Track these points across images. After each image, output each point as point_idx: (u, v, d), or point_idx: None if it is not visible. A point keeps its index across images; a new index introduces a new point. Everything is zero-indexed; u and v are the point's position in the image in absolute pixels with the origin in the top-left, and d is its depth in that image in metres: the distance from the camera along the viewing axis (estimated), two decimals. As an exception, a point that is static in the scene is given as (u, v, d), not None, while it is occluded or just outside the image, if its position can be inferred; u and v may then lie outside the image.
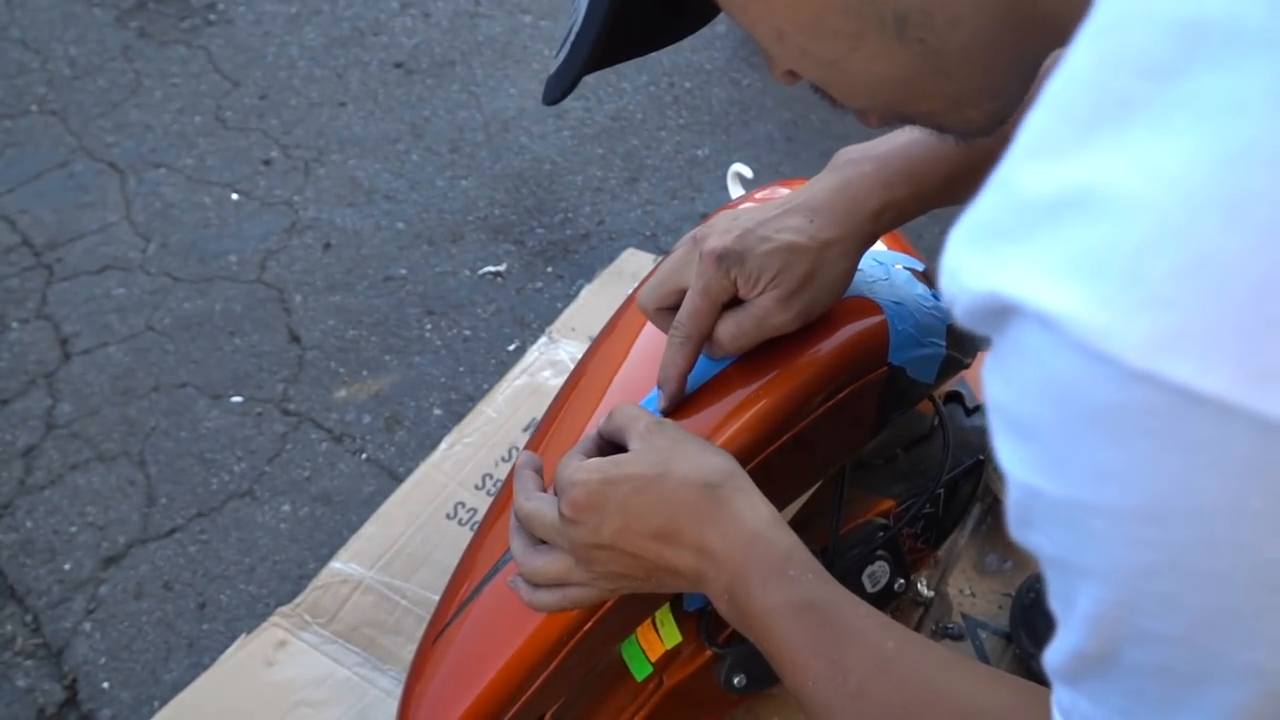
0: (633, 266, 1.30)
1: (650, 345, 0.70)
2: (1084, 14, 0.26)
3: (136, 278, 1.53)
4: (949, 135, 0.48)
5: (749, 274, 0.62)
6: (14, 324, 1.47)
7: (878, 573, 0.71)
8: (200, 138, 1.77)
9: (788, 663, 0.49)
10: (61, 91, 1.87)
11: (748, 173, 1.16)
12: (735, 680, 0.74)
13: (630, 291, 1.29)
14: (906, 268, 0.69)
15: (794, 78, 0.51)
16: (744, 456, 0.63)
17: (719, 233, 0.64)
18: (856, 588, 0.70)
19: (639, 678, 0.71)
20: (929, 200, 0.64)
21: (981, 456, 0.80)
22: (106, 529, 1.21)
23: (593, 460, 0.55)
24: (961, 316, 0.28)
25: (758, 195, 0.76)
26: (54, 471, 1.28)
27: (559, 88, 0.48)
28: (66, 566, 1.18)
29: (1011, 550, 0.95)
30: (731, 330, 0.63)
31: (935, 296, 0.68)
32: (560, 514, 0.55)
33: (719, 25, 2.02)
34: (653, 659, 0.70)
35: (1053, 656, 0.32)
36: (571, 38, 0.47)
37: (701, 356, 0.64)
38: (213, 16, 2.03)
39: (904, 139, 0.64)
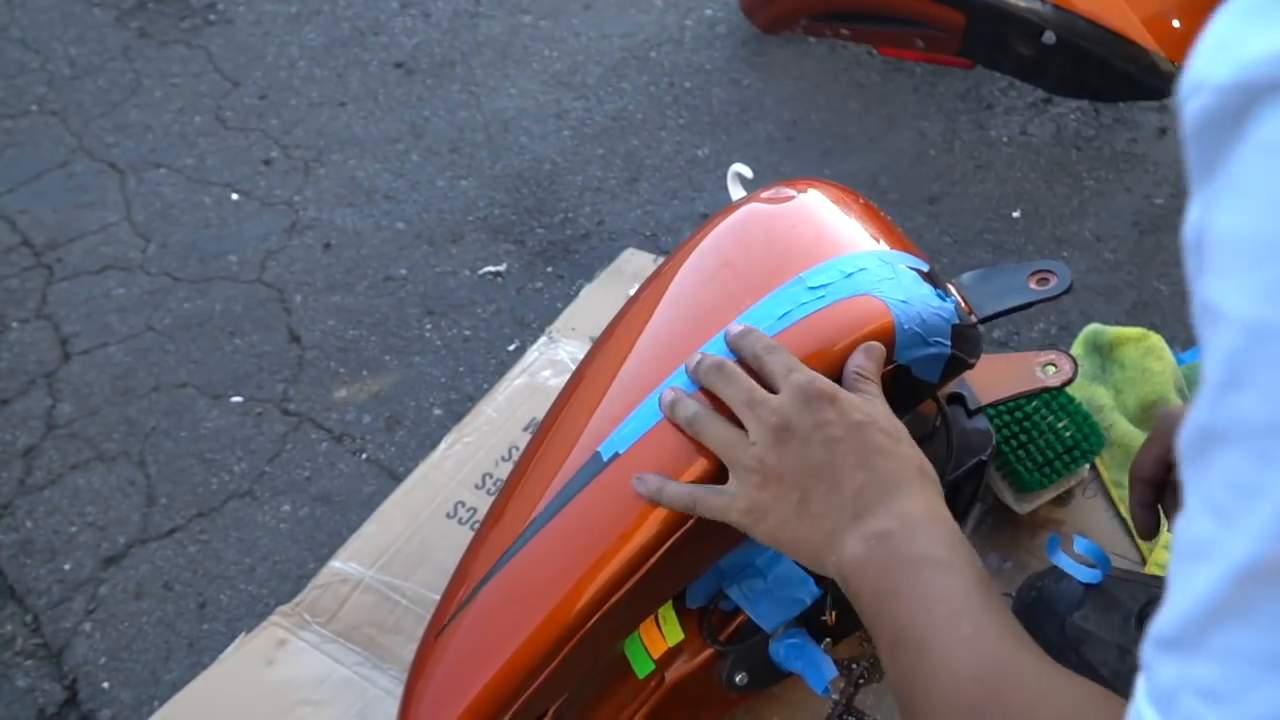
0: (633, 266, 1.30)
1: (654, 342, 0.70)
2: None
3: (136, 278, 1.53)
4: None
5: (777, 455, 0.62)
6: (14, 324, 1.47)
7: None
8: (200, 138, 1.77)
9: (909, 607, 0.48)
10: (61, 91, 1.87)
11: (748, 173, 1.16)
12: (737, 678, 0.74)
13: (630, 291, 1.30)
14: (911, 268, 0.69)
15: None
16: None
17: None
18: None
19: (641, 675, 0.71)
20: None
21: (983, 458, 0.80)
22: (106, 529, 1.21)
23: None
24: (1202, 110, 0.26)
25: (762, 195, 0.76)
26: (54, 471, 1.28)
27: None
28: (66, 566, 1.18)
29: (1012, 550, 0.95)
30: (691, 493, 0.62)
31: (941, 296, 0.68)
32: (792, 385, 0.56)
33: (719, 25, 2.02)
34: (655, 656, 0.70)
35: (1180, 605, 0.28)
36: None
37: (719, 343, 0.65)
38: (213, 16, 2.03)
39: None
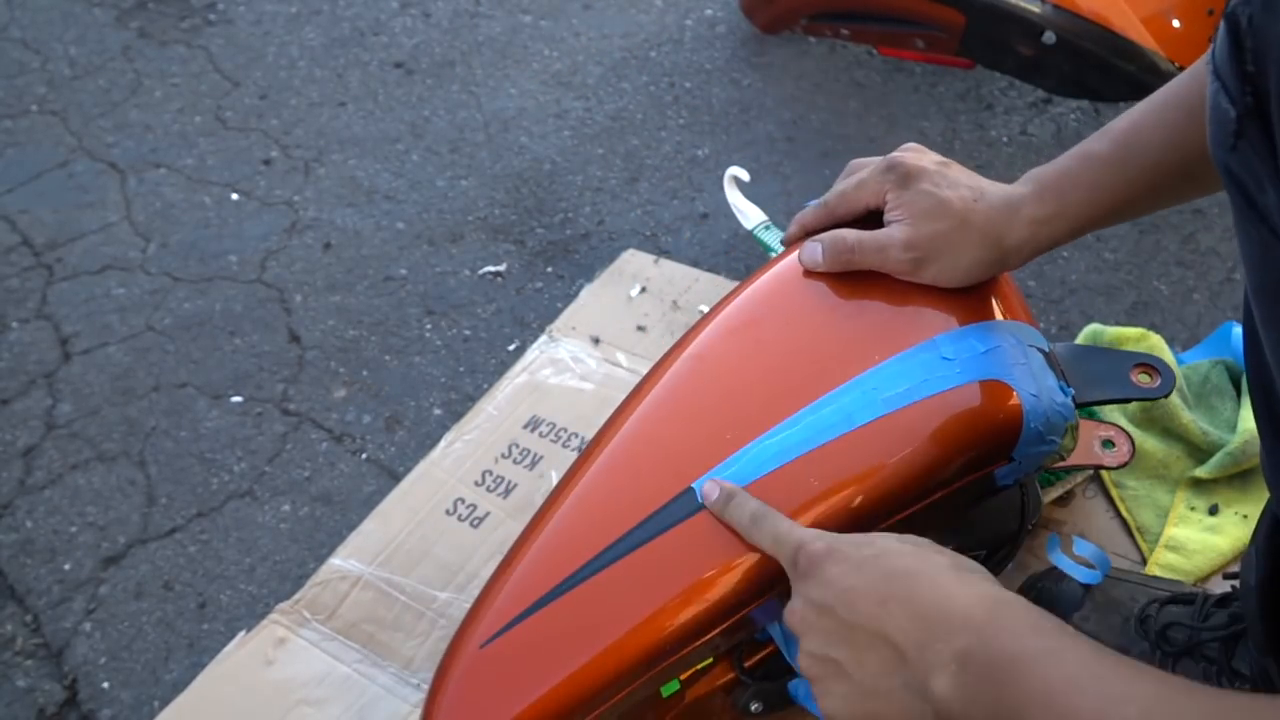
0: (633, 266, 1.30)
1: (765, 377, 0.65)
2: None
3: (136, 278, 1.53)
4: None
5: (901, 197, 0.65)
6: (14, 324, 1.47)
7: None
8: (200, 138, 1.77)
9: (1046, 706, 0.41)
10: (61, 91, 1.87)
11: (744, 175, 1.16)
12: (753, 706, 0.73)
13: (631, 292, 1.30)
14: (1037, 349, 0.65)
15: None
16: (849, 528, 0.59)
17: (914, 154, 0.68)
18: None
19: (665, 694, 0.69)
20: (1074, 219, 0.64)
21: (1032, 524, 0.77)
22: (106, 529, 1.21)
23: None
24: None
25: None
26: (54, 471, 1.28)
27: None
28: (66, 566, 1.18)
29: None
30: (853, 239, 0.65)
31: (1064, 389, 0.64)
32: (786, 561, 0.53)
33: (719, 25, 2.03)
34: (683, 677, 0.68)
35: None
36: None
37: (838, 409, 0.61)
38: (213, 16, 2.03)
39: (1066, 154, 0.65)
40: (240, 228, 1.60)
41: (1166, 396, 0.69)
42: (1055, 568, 0.73)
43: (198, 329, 1.45)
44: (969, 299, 0.67)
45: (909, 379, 0.61)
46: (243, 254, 1.56)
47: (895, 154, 0.68)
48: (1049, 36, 1.46)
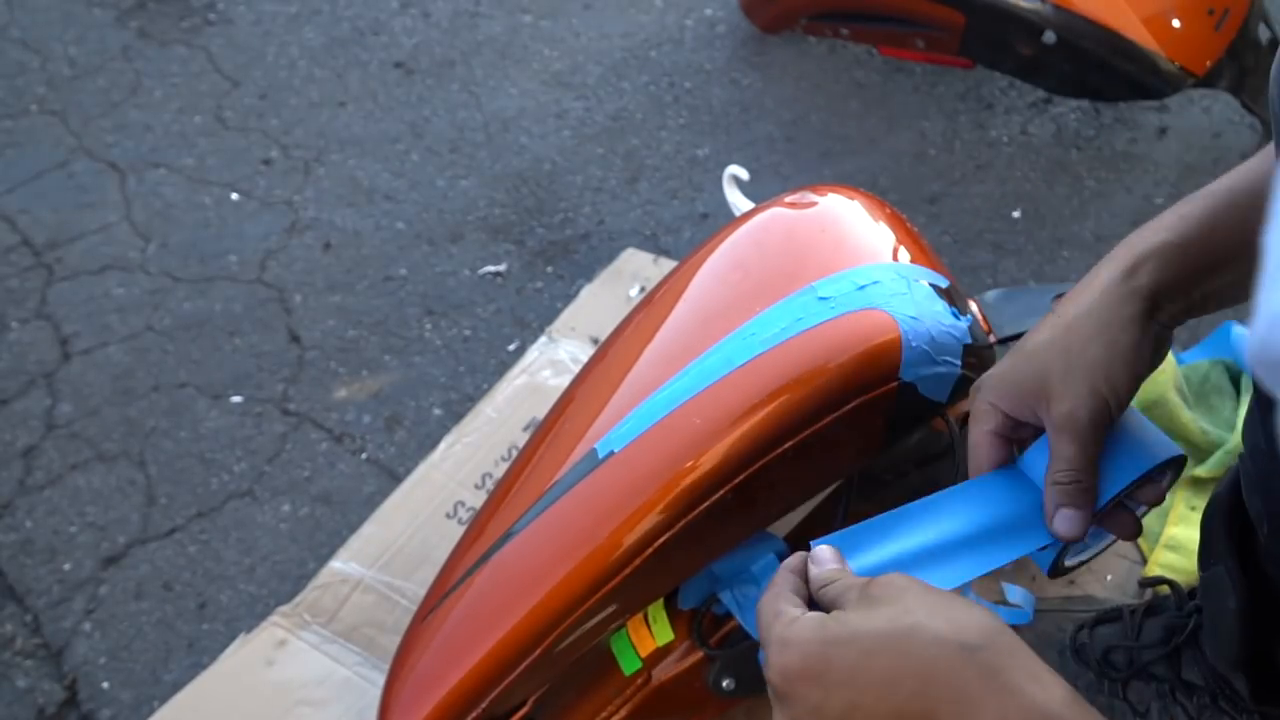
0: (632, 266, 1.30)
1: (660, 343, 0.70)
2: None
3: (136, 278, 1.53)
4: None
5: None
6: (14, 324, 1.47)
7: None
8: (200, 138, 1.77)
9: None
10: (61, 91, 1.87)
11: (744, 175, 1.16)
12: (724, 683, 0.74)
13: (631, 292, 1.30)
14: (930, 283, 0.69)
15: None
16: (746, 461, 0.62)
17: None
18: None
19: (627, 672, 0.71)
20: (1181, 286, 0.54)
21: None
22: (106, 529, 1.21)
23: (810, 616, 0.42)
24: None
25: (787, 199, 0.75)
26: (54, 471, 1.28)
27: None
28: (66, 566, 1.18)
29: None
30: (1063, 465, 0.52)
31: (956, 314, 0.67)
32: (770, 682, 0.42)
33: (719, 25, 2.03)
34: (643, 654, 0.70)
35: None
36: None
37: (721, 357, 0.63)
38: (213, 16, 2.03)
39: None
40: (240, 228, 1.60)
41: None
42: None
43: (198, 329, 1.45)
44: (851, 250, 0.70)
45: (785, 320, 0.65)
46: (243, 254, 1.56)
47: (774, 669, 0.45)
48: (1049, 36, 1.46)
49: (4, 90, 1.88)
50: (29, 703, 1.07)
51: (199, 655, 1.08)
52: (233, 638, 0.99)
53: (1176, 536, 0.94)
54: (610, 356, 0.72)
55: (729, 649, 0.73)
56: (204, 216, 1.63)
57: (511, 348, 1.38)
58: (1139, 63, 1.42)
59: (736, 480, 0.63)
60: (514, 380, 1.15)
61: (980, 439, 0.55)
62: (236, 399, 1.35)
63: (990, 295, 0.74)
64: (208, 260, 1.55)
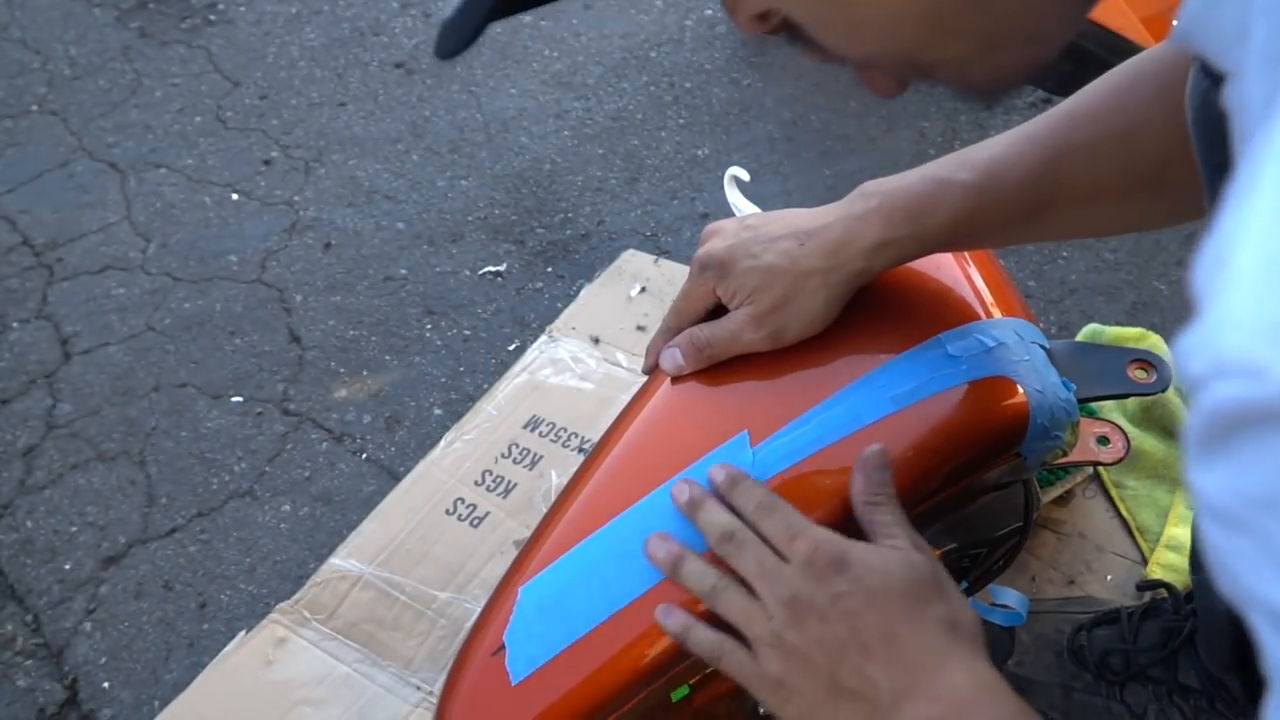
0: (633, 266, 1.30)
1: (776, 374, 0.64)
2: None
3: (136, 278, 1.53)
4: (965, 93, 0.42)
5: (728, 286, 0.63)
6: (14, 324, 1.47)
7: None
8: (200, 138, 1.77)
9: None
10: (61, 91, 1.87)
11: (745, 176, 1.16)
12: (762, 709, 0.73)
13: (631, 292, 1.30)
14: (1039, 345, 0.65)
15: (763, 23, 0.41)
16: (858, 529, 0.58)
17: (718, 237, 0.65)
18: None
19: (675, 699, 0.69)
20: (930, 242, 0.62)
21: (1035, 519, 0.77)
22: (106, 529, 1.21)
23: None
24: (1219, 407, 0.23)
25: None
26: (54, 471, 1.28)
27: (457, 38, 0.41)
28: (66, 566, 1.18)
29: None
30: (705, 336, 0.64)
31: (1068, 385, 0.64)
32: (798, 556, 0.50)
33: (719, 25, 2.02)
34: (691, 681, 0.69)
35: None
36: None
37: (847, 409, 0.61)
38: (213, 16, 2.03)
39: (916, 176, 0.62)
40: (240, 228, 1.60)
41: (1164, 392, 0.69)
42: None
43: (198, 329, 1.45)
44: (970, 297, 0.67)
45: (916, 377, 0.61)
46: (243, 254, 1.56)
47: (700, 250, 0.66)
48: (1049, 36, 1.46)
49: (4, 90, 1.88)
50: (29, 703, 1.07)
51: (199, 655, 1.08)
52: (233, 637, 0.99)
53: (1177, 536, 0.94)
54: (701, 377, 0.66)
55: None
56: (204, 216, 1.63)
57: (511, 348, 1.38)
58: (1139, 63, 1.42)
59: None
60: (514, 378, 1.15)
61: (695, 314, 0.67)
62: (237, 399, 1.35)
63: (1060, 348, 0.70)
64: (208, 260, 1.55)
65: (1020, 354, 0.63)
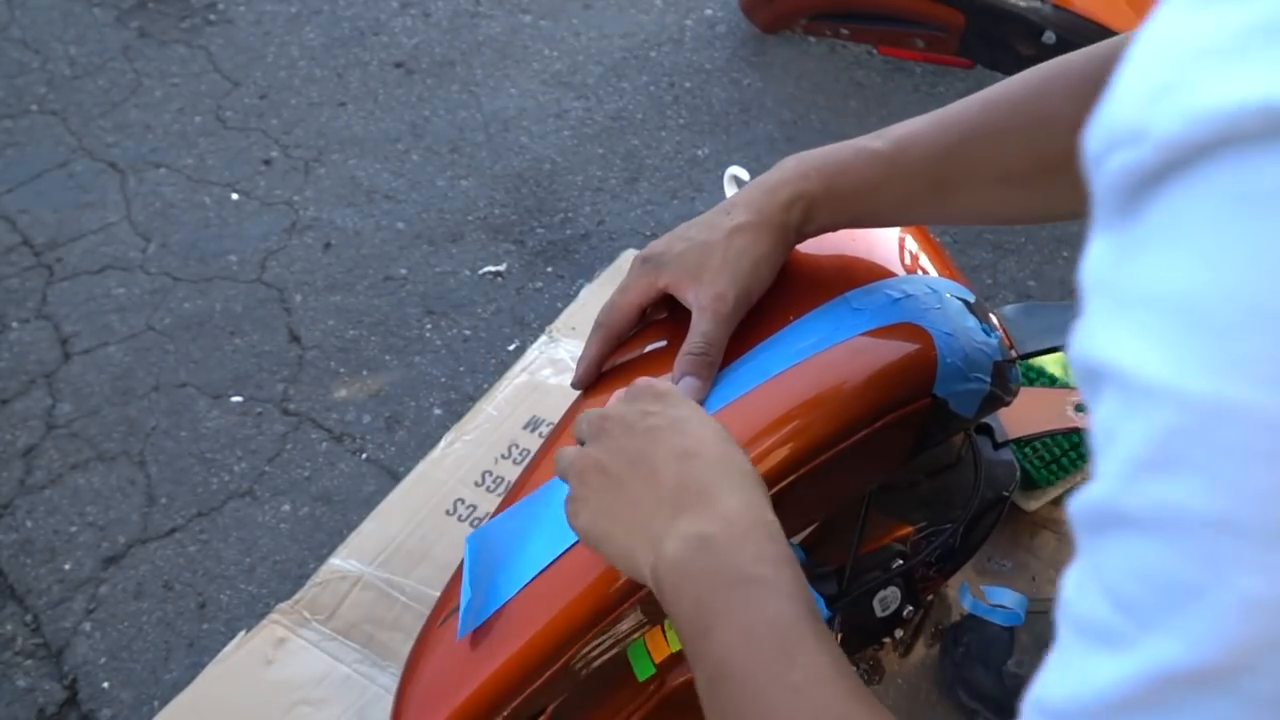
0: (633, 266, 1.30)
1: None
2: None
3: (136, 278, 1.53)
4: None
5: (670, 273, 0.66)
6: (14, 324, 1.47)
7: (889, 598, 0.70)
8: (200, 138, 1.77)
9: (734, 635, 0.44)
10: (61, 91, 1.87)
11: (744, 175, 1.16)
12: None
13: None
14: (958, 297, 0.68)
15: None
16: (775, 477, 0.61)
17: (656, 240, 0.69)
18: (867, 611, 0.69)
19: (641, 678, 0.71)
20: (843, 206, 0.66)
21: (1006, 493, 0.78)
22: (106, 529, 1.21)
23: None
24: (1139, 163, 0.23)
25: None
26: (54, 471, 1.28)
27: None
28: (66, 566, 1.18)
29: (1012, 550, 0.94)
30: (697, 342, 0.64)
31: (986, 330, 0.67)
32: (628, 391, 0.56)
33: (719, 25, 2.02)
34: (657, 660, 0.70)
35: (1078, 688, 0.25)
36: None
37: (753, 367, 0.64)
38: (213, 16, 2.03)
39: (836, 144, 0.66)
40: (240, 228, 1.60)
41: None
42: (974, 616, 0.73)
43: (198, 329, 1.44)
44: (888, 260, 0.69)
45: (819, 331, 0.64)
46: (243, 254, 1.56)
47: (644, 251, 0.69)
48: (1049, 36, 1.46)
49: (4, 90, 1.88)
50: (29, 702, 1.07)
51: (199, 655, 1.08)
52: (233, 637, 0.99)
53: (1177, 535, 0.94)
54: (631, 362, 0.72)
55: None
56: (204, 216, 1.63)
57: (511, 347, 1.38)
58: (1139, 62, 1.42)
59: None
60: (514, 379, 1.15)
61: (630, 309, 0.68)
62: (236, 399, 1.35)
63: (1009, 310, 0.74)
64: (208, 260, 1.55)
65: (930, 303, 0.66)
